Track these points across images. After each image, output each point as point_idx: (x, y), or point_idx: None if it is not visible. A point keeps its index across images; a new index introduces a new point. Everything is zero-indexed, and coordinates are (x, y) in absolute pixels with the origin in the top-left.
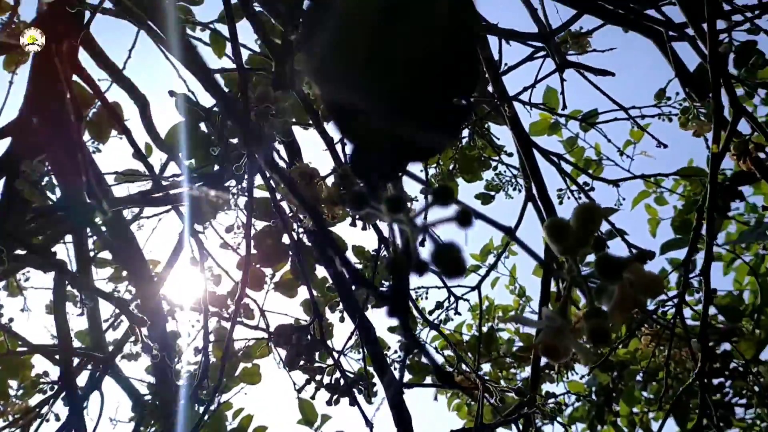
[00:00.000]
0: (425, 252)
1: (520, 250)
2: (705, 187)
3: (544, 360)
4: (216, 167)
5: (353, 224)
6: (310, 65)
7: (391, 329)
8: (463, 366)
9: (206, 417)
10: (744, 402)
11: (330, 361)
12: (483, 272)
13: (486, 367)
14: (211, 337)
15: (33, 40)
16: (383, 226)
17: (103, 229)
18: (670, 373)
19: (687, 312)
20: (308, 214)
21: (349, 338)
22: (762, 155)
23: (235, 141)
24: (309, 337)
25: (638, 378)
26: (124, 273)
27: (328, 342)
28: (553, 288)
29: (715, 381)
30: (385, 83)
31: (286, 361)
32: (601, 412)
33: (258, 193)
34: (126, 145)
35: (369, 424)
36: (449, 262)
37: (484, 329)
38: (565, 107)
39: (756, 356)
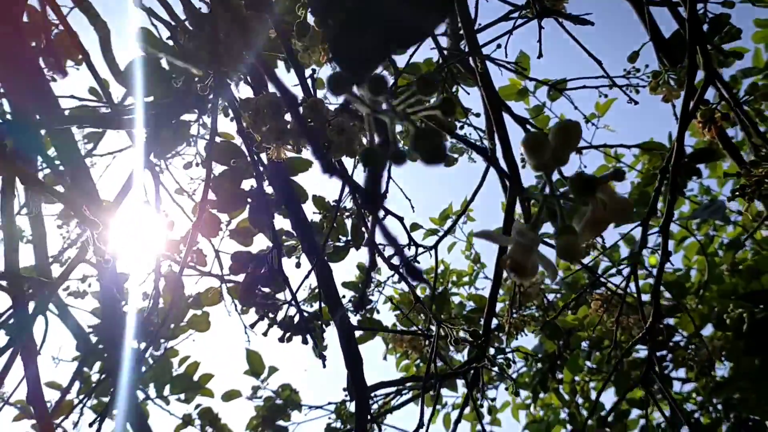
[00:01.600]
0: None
1: (478, 216)
2: (669, 153)
3: (494, 323)
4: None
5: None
6: None
7: (346, 284)
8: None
9: (148, 352)
10: (683, 377)
11: (285, 300)
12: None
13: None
14: (162, 282)
15: None
16: (349, 164)
17: (57, 162)
18: (616, 340)
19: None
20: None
21: (307, 276)
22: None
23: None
24: (266, 267)
25: (583, 346)
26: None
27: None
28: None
29: (658, 354)
30: None
31: (242, 289)
32: (545, 379)
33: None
34: (81, 80)
35: (322, 357)
36: (430, 147)
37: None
38: (540, 56)
39: (698, 331)
